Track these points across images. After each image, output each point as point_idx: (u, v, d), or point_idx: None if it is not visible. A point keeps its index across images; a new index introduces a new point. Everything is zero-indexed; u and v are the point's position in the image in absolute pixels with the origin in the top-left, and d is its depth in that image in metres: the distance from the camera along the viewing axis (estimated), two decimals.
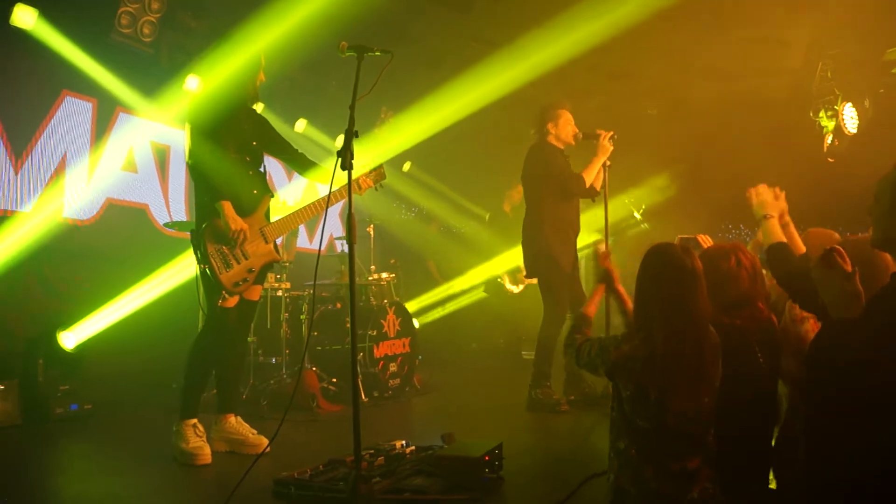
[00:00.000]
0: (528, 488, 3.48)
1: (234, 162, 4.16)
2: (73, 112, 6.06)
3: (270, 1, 5.83)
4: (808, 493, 2.45)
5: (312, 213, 4.37)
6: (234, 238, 4.03)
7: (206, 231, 4.04)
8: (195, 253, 4.09)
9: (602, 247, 3.27)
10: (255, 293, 4.38)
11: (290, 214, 4.32)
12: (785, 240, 3.05)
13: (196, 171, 4.08)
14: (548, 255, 5.59)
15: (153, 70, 6.43)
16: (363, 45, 3.36)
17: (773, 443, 2.95)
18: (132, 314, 5.94)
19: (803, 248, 3.18)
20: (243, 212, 4.10)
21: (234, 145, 4.18)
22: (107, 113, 6.31)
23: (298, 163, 4.50)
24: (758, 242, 4.10)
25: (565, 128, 5.74)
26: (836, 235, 3.44)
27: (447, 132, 8.29)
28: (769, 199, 3.15)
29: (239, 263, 4.09)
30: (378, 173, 4.59)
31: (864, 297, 2.42)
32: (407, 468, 3.49)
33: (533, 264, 5.75)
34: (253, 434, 4.19)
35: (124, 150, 6.47)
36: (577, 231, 5.83)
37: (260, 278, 4.29)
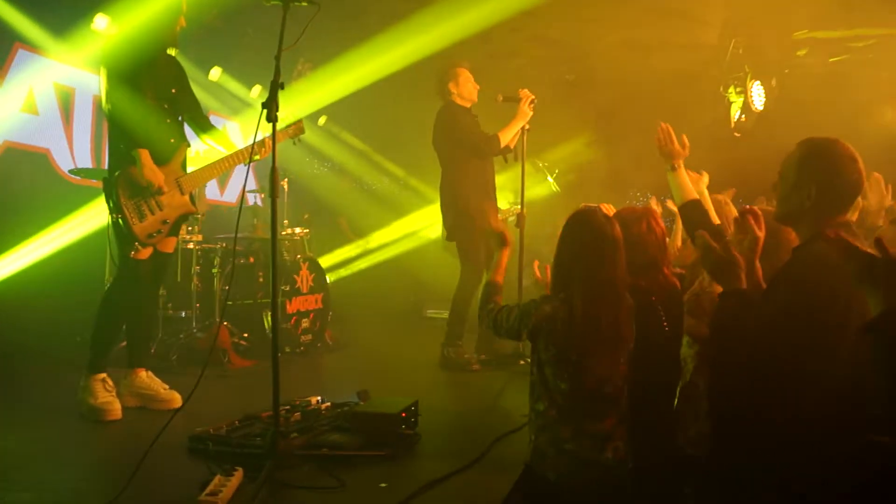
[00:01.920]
0: (444, 445, 3.56)
1: (152, 109, 4.01)
2: None
3: None
4: (711, 454, 2.60)
5: (230, 165, 4.27)
6: (150, 189, 3.90)
7: (119, 179, 3.90)
8: (107, 202, 3.95)
9: (496, 223, 3.31)
10: (170, 245, 4.26)
11: (207, 166, 4.21)
12: (694, 193, 3.16)
13: (113, 117, 3.93)
14: (466, 216, 5.64)
15: (57, 7, 6.04)
16: None
17: (675, 402, 3.10)
18: (34, 264, 5.64)
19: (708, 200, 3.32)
20: (159, 161, 3.97)
21: (152, 92, 4.03)
22: (4, 49, 5.88)
23: (200, 123, 4.37)
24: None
25: (466, 85, 5.79)
26: (734, 208, 3.63)
27: (366, 88, 8.18)
28: (677, 149, 3.25)
29: (153, 214, 3.97)
30: (297, 128, 4.49)
31: (763, 269, 2.57)
32: (324, 424, 3.51)
33: (452, 226, 5.79)
34: (165, 389, 4.12)
35: (24, 91, 6.07)
36: (493, 189, 5.90)
37: (174, 230, 4.17)
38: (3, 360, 5.09)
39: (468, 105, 5.80)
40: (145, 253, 4.01)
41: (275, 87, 2.96)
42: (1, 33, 5.79)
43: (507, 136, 5.64)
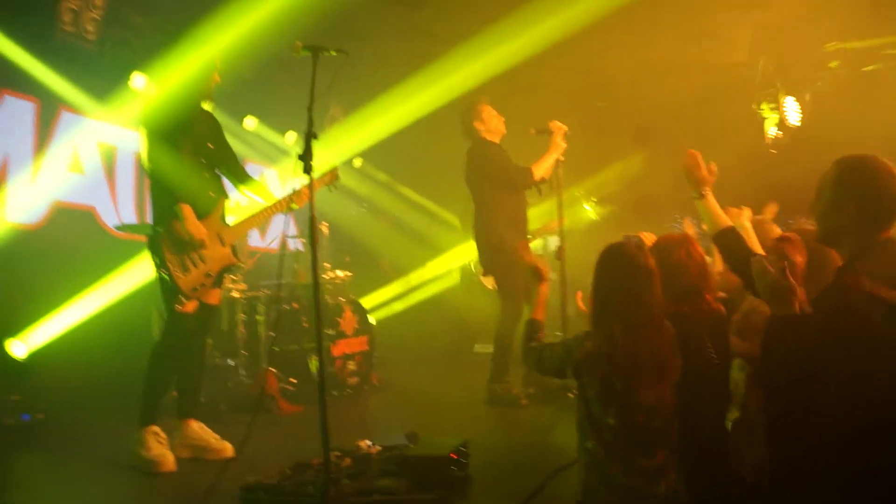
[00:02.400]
0: (496, 485, 3.53)
1: (191, 164, 4.12)
2: (15, 112, 5.84)
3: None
4: (770, 480, 2.54)
5: (269, 216, 4.33)
6: (193, 243, 3.99)
7: (163, 235, 3.99)
8: (153, 258, 4.04)
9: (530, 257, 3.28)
10: (216, 297, 4.34)
11: (247, 217, 4.29)
12: (727, 219, 3.10)
13: (154, 174, 4.03)
14: (502, 251, 5.64)
15: (97, 68, 6.25)
16: (318, 44, 3.33)
17: (727, 427, 3.04)
18: (84, 320, 5.77)
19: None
20: (200, 214, 4.06)
21: (190, 147, 4.13)
22: (50, 113, 6.11)
23: (238, 175, 4.46)
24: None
25: (491, 120, 5.82)
26: (776, 228, 3.57)
27: (399, 128, 8.27)
28: (704, 175, 3.14)
29: (196, 267, 4.04)
30: (332, 175, 4.51)
31: (807, 288, 2.53)
32: (374, 469, 3.50)
33: (488, 261, 5.80)
34: (216, 439, 4.14)
35: (70, 151, 6.27)
36: (525, 223, 5.90)
37: (217, 282, 4.25)
38: (56, 415, 5.19)
39: (497, 139, 5.83)
40: (191, 306, 4.08)
41: (308, 139, 3.02)
42: (47, 99, 6.01)
43: (541, 169, 5.63)
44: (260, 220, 4.33)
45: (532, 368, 2.87)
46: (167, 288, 4.03)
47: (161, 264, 3.99)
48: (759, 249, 3.21)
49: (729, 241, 2.99)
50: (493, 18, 6.70)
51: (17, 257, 5.57)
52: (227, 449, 4.05)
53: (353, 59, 3.49)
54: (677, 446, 2.59)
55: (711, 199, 3.12)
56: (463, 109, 5.96)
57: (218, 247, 4.15)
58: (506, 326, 5.62)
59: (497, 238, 5.68)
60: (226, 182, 4.44)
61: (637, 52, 7.82)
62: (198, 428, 4.19)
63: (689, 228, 4.52)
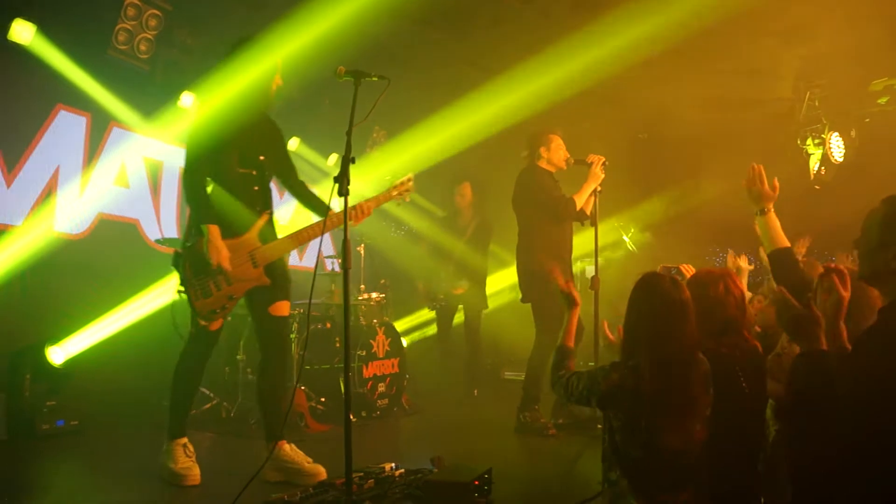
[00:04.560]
0: None
1: (237, 178, 4.02)
2: (67, 126, 6.05)
3: (268, 23, 5.86)
4: None
5: (308, 238, 4.12)
6: (213, 269, 3.84)
7: (186, 255, 3.90)
8: (178, 273, 3.95)
9: (563, 283, 3.24)
10: (284, 309, 4.16)
11: (284, 238, 4.11)
12: (785, 239, 3.04)
13: (188, 191, 3.95)
14: (541, 279, 5.61)
15: (148, 87, 6.45)
16: (360, 70, 3.36)
17: (759, 468, 2.98)
18: (122, 330, 5.90)
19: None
20: (236, 231, 3.93)
21: (238, 159, 4.01)
22: (100, 128, 6.31)
23: (293, 186, 4.28)
24: (769, 290, 4.11)
25: (557, 152, 5.80)
26: (820, 266, 3.50)
27: (441, 155, 8.32)
28: (767, 191, 3.12)
29: (220, 290, 3.90)
30: (405, 186, 4.32)
31: (847, 329, 2.47)
32: (396, 492, 3.50)
33: (527, 288, 5.78)
34: (308, 462, 3.97)
35: (117, 165, 6.46)
36: (570, 252, 5.88)
37: (281, 295, 4.11)
38: (94, 424, 5.30)
39: (553, 171, 5.83)
40: (216, 324, 4.00)
41: (346, 162, 3.03)
42: (98, 115, 6.21)
43: (581, 200, 5.61)
44: (298, 241, 4.11)
45: (559, 397, 2.85)
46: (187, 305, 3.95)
47: (183, 282, 3.90)
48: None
49: (784, 260, 2.94)
50: (538, 49, 6.74)
51: (61, 266, 5.74)
52: (320, 473, 3.90)
53: (397, 85, 3.51)
54: (707, 485, 2.54)
55: (773, 215, 3.08)
56: (535, 131, 5.95)
57: (248, 268, 3.95)
58: (539, 355, 5.58)
59: (537, 265, 5.65)
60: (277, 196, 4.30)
61: (681, 85, 7.78)
62: (290, 450, 4.00)
63: (732, 261, 4.45)
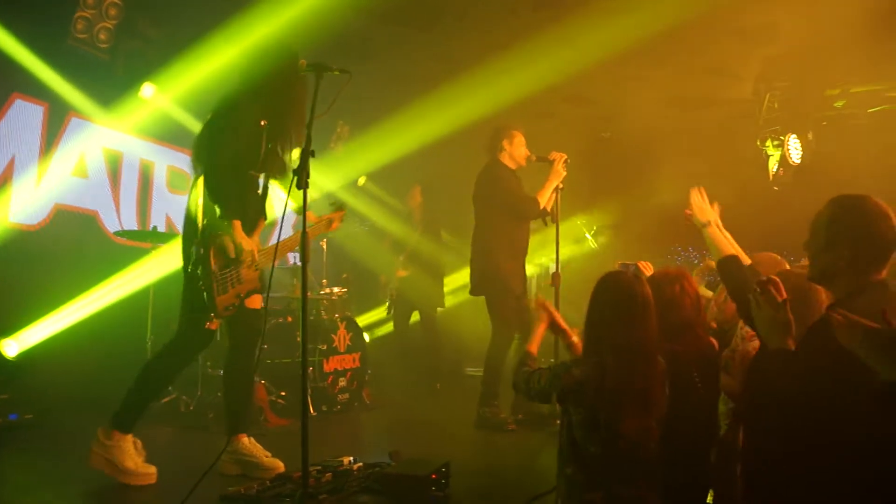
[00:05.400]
0: None
1: (251, 179, 3.99)
2: (23, 115, 5.94)
3: (231, 14, 5.81)
4: None
5: (295, 245, 4.12)
6: (244, 259, 3.83)
7: (213, 250, 3.79)
8: (195, 270, 3.81)
9: (541, 297, 3.32)
10: (257, 301, 4.09)
11: (277, 244, 3.88)
12: (731, 248, 3.12)
13: (232, 182, 3.85)
14: (497, 276, 5.65)
15: (108, 77, 6.36)
16: (322, 63, 3.33)
17: (711, 460, 3.04)
18: (78, 323, 5.81)
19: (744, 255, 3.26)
20: (245, 233, 3.89)
21: (252, 161, 3.96)
22: (59, 117, 6.20)
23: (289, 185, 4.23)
24: (706, 268, 4.22)
25: (519, 148, 5.83)
26: (784, 262, 3.57)
27: (406, 150, 8.32)
28: (707, 206, 3.18)
29: (233, 287, 3.85)
30: (336, 218, 4.44)
31: (797, 328, 2.53)
32: (354, 485, 3.51)
33: (480, 282, 5.79)
34: (267, 457, 3.94)
35: (75, 156, 6.36)
36: (525, 252, 5.91)
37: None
38: (48, 418, 5.19)
39: (514, 167, 5.84)
40: (216, 324, 3.94)
41: (305, 155, 3.02)
42: (56, 105, 6.11)
43: (544, 198, 5.64)
44: (288, 247, 4.18)
45: (520, 393, 2.88)
46: (202, 304, 3.78)
47: (204, 278, 3.75)
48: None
49: (731, 268, 3.01)
50: (504, 45, 6.77)
51: (16, 257, 5.64)
52: (278, 467, 3.87)
53: (363, 79, 3.50)
54: (659, 477, 2.59)
55: (713, 228, 3.15)
56: (497, 126, 5.95)
57: (252, 270, 3.94)
58: (496, 350, 5.62)
59: (493, 263, 5.68)
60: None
61: (645, 85, 7.87)
62: (248, 443, 3.99)
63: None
